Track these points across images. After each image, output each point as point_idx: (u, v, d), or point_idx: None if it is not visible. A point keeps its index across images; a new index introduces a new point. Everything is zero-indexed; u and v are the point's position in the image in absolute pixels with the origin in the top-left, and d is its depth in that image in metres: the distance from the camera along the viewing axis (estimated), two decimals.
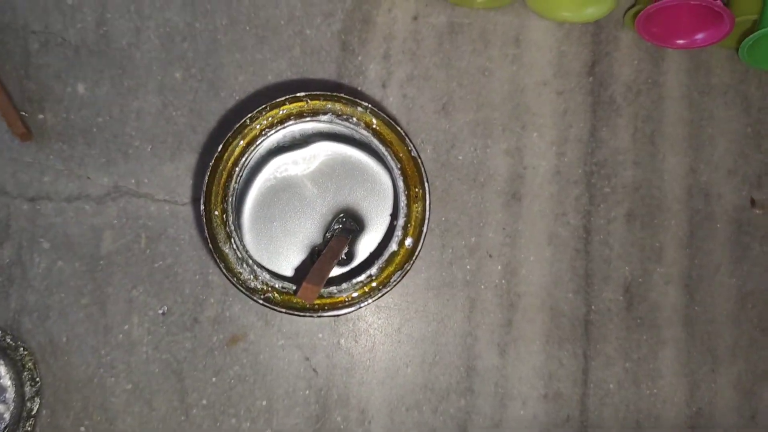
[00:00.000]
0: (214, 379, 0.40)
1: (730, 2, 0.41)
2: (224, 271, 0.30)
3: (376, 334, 0.42)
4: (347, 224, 0.38)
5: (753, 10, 0.39)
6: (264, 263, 0.37)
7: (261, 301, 0.30)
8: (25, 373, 0.40)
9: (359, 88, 0.43)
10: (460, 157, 0.43)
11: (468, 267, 0.42)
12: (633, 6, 0.43)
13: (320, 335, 0.41)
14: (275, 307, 0.30)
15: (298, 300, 0.31)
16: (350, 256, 0.37)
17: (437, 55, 0.44)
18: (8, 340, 0.40)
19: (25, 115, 0.42)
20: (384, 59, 0.44)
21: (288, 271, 0.36)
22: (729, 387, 0.42)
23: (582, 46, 0.44)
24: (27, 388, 0.39)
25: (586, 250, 0.43)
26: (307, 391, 0.41)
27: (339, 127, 0.32)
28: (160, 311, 0.41)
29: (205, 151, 0.42)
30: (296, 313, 0.30)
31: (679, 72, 0.45)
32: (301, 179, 0.38)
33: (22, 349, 0.40)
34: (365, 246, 0.39)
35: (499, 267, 0.42)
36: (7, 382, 0.38)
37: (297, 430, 0.41)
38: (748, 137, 0.43)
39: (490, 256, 0.42)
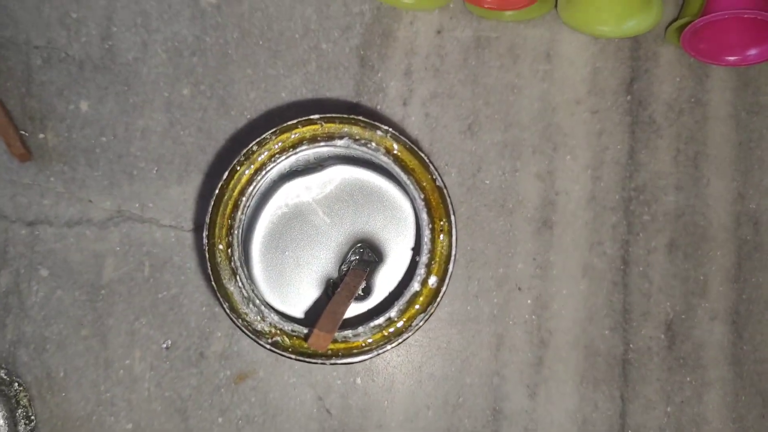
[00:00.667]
0: (220, 419, 0.38)
1: None
2: (228, 311, 0.28)
3: (395, 373, 0.39)
4: (365, 255, 0.36)
5: None
6: (274, 297, 0.35)
7: (268, 346, 0.28)
8: (20, 410, 0.37)
9: (378, 107, 0.40)
10: (487, 181, 0.40)
11: (495, 301, 0.39)
12: (676, 20, 0.40)
13: (335, 373, 0.39)
14: (284, 353, 0.28)
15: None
16: (368, 291, 0.34)
17: (462, 71, 0.41)
18: (2, 375, 0.38)
19: (25, 134, 0.40)
20: (405, 76, 0.41)
21: (300, 307, 0.33)
22: None
23: (619, 62, 0.42)
24: (21, 427, 0.37)
25: (623, 283, 0.40)
26: None
27: (357, 152, 0.29)
28: (164, 345, 0.39)
29: (214, 173, 0.40)
30: (307, 359, 0.28)
31: (725, 90, 0.42)
32: (315, 206, 0.36)
33: (17, 384, 0.38)
34: (384, 279, 0.36)
35: (529, 301, 0.39)
36: (0, 420, 0.36)
37: None
38: None
39: (520, 289, 0.39)
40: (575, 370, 0.39)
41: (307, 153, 0.31)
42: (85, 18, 0.42)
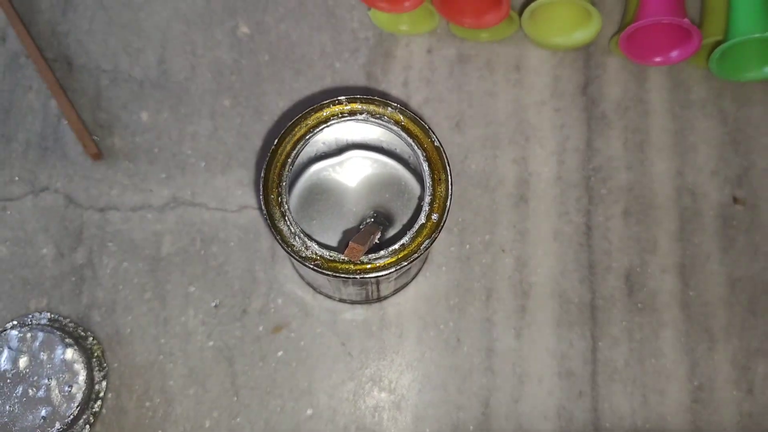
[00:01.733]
0: (260, 363, 0.48)
1: (701, 24, 0.50)
2: (281, 242, 0.39)
3: (403, 322, 0.49)
4: (378, 219, 0.46)
5: (719, 31, 0.48)
6: None
7: (312, 266, 0.38)
8: (94, 359, 0.47)
9: None
10: (473, 166, 0.51)
11: (484, 261, 0.50)
12: (617, 33, 0.52)
13: (354, 324, 0.49)
14: (325, 272, 0.39)
15: (343, 266, 0.38)
16: (379, 246, 0.44)
17: (449, 81, 0.53)
18: (80, 331, 0.48)
19: (97, 139, 0.51)
20: (403, 86, 0.53)
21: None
22: (726, 363, 0.49)
23: (574, 71, 0.54)
24: (95, 373, 0.47)
25: (588, 244, 0.50)
26: (344, 373, 0.48)
27: (372, 125, 0.40)
28: (213, 304, 0.49)
29: (251, 165, 0.51)
30: (343, 275, 0.38)
31: (662, 90, 0.54)
32: (336, 182, 0.47)
33: (91, 338, 0.48)
34: (392, 238, 0.46)
35: (512, 260, 0.50)
36: (80, 366, 0.46)
37: (335, 407, 0.47)
38: (726, 143, 0.53)
39: (503, 251, 0.50)
40: (552, 315, 0.49)
41: (334, 130, 0.41)
42: (144, 47, 0.54)
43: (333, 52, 0.58)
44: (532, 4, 0.51)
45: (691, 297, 0.55)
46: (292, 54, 0.58)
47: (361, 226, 0.50)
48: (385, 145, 0.49)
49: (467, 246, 0.55)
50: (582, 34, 0.53)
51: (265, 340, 0.53)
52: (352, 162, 0.50)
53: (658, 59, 0.54)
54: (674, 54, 0.53)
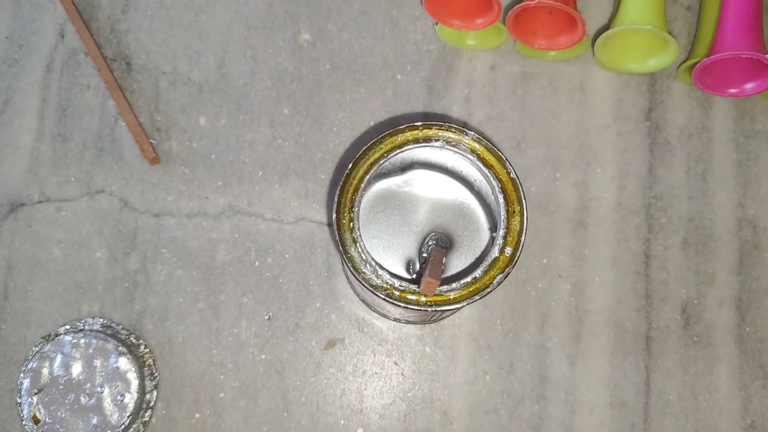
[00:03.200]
0: (312, 379, 0.46)
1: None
2: (352, 270, 0.38)
3: (457, 344, 0.48)
4: (440, 241, 0.44)
5: None
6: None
7: (383, 296, 0.37)
8: (146, 368, 0.46)
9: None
10: (533, 188, 0.49)
11: (540, 285, 0.48)
12: (686, 60, 0.50)
13: (408, 343, 0.47)
14: (395, 302, 0.37)
15: (414, 296, 0.37)
16: (444, 268, 0.43)
17: (512, 99, 0.51)
18: (132, 339, 0.46)
19: (153, 142, 0.49)
20: (465, 102, 0.51)
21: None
22: None
23: (639, 95, 0.52)
24: (147, 382, 0.46)
25: (646, 273, 0.49)
26: (396, 393, 0.46)
27: (448, 152, 0.38)
28: (266, 317, 0.47)
29: (309, 176, 0.49)
30: (414, 307, 0.37)
31: (726, 118, 0.52)
32: (398, 201, 0.45)
33: (143, 346, 0.46)
34: (453, 264, 0.44)
35: (568, 286, 0.48)
36: (132, 375, 0.45)
37: (386, 428, 0.46)
38: None
39: (560, 276, 0.48)
40: (607, 344, 0.48)
41: (398, 157, 0.39)
42: (205, 50, 0.51)
43: (395, 64, 0.56)
44: (608, 32, 0.49)
45: (748, 332, 0.53)
46: (354, 64, 0.56)
47: (422, 248, 0.48)
48: (449, 166, 0.48)
49: (524, 270, 0.53)
50: (656, 62, 0.51)
51: (317, 356, 0.51)
52: (416, 181, 0.48)
53: (732, 91, 0.52)
54: (749, 86, 0.51)
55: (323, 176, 0.53)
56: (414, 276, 0.46)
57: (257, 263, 0.52)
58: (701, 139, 0.56)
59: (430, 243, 0.47)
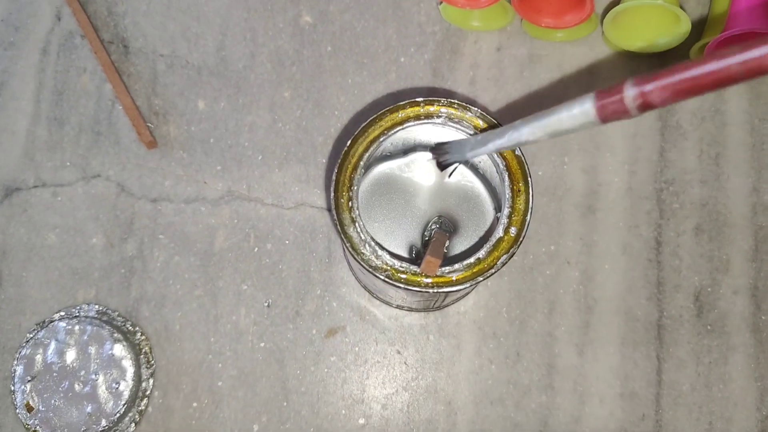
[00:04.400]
0: (312, 368, 0.44)
1: None
2: (350, 250, 0.35)
3: (461, 332, 0.45)
4: (443, 225, 0.42)
5: None
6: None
7: (383, 277, 0.35)
8: (142, 356, 0.44)
9: None
10: (540, 173, 0.47)
11: (548, 272, 0.46)
12: (698, 41, 0.47)
13: (411, 332, 0.45)
14: (396, 283, 0.35)
15: (415, 278, 0.35)
16: (451, 258, 0.41)
17: (518, 82, 0.49)
18: (128, 326, 0.44)
19: (151, 126, 0.47)
20: (470, 85, 0.49)
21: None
22: None
23: None
24: (143, 370, 0.44)
25: (657, 260, 0.46)
26: (399, 383, 0.44)
27: (450, 130, 0.36)
28: (266, 304, 0.45)
29: (310, 161, 0.47)
30: (415, 288, 0.34)
31: (741, 100, 0.49)
32: (400, 184, 0.43)
33: (139, 334, 0.44)
34: (457, 248, 0.42)
35: (577, 273, 0.46)
36: (128, 363, 0.43)
37: (388, 417, 0.43)
38: None
39: (568, 263, 0.46)
40: (617, 332, 0.45)
41: (398, 136, 0.37)
42: (203, 32, 0.50)
43: (398, 46, 0.54)
44: (618, 7, 0.46)
45: (764, 321, 0.50)
46: (356, 46, 0.54)
47: (425, 232, 0.46)
48: (464, 135, 0.45)
49: (531, 256, 0.51)
50: (667, 40, 0.48)
51: (318, 344, 0.49)
52: (418, 163, 0.46)
53: None
54: None
55: (324, 161, 0.51)
56: (418, 261, 0.44)
57: (256, 249, 0.50)
58: (714, 122, 0.53)
59: (433, 227, 0.45)
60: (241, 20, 0.54)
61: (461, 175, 0.46)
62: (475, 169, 0.45)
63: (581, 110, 0.31)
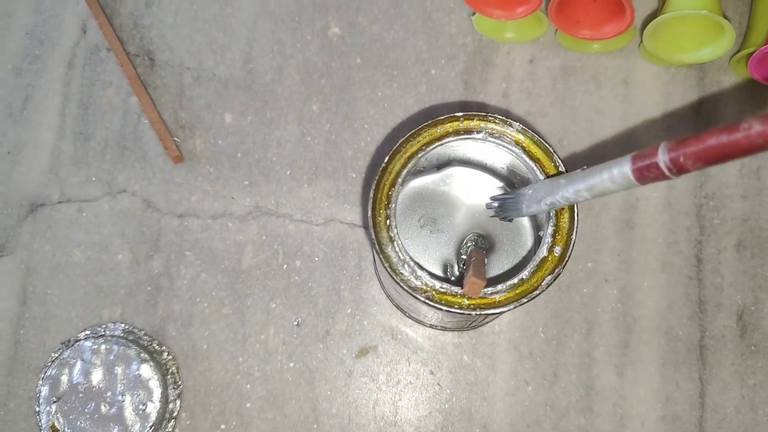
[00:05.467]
0: (343, 389, 0.42)
1: None
2: (389, 270, 0.33)
3: (497, 352, 0.43)
4: (479, 242, 0.40)
5: None
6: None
7: (422, 299, 0.33)
8: (169, 376, 0.42)
9: None
10: None
11: (585, 290, 0.44)
12: (739, 51, 0.45)
13: (445, 351, 0.43)
14: (437, 305, 0.33)
15: (456, 299, 0.32)
16: (494, 278, 0.39)
17: (552, 94, 0.47)
18: (155, 345, 0.42)
19: (178, 140, 0.45)
20: (503, 97, 0.47)
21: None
22: None
23: (688, 88, 0.47)
24: (170, 391, 0.42)
25: (698, 278, 0.44)
26: (432, 404, 0.42)
27: (490, 145, 0.34)
28: (295, 323, 0.43)
29: (340, 176, 0.45)
30: (456, 310, 0.32)
31: None
32: (435, 200, 0.41)
33: (166, 353, 0.43)
34: (493, 266, 0.40)
35: (615, 291, 0.44)
36: (155, 384, 0.41)
37: None
38: None
39: (607, 280, 0.44)
40: (658, 353, 0.43)
41: (442, 149, 0.35)
42: (230, 44, 0.48)
43: (429, 58, 0.52)
44: (659, 18, 0.44)
45: None
46: (386, 58, 0.52)
47: (460, 251, 0.44)
48: (487, 163, 0.43)
49: (567, 274, 0.48)
50: (710, 51, 0.46)
51: (348, 364, 0.47)
52: (453, 179, 0.44)
53: None
54: None
55: (354, 175, 0.49)
56: (453, 279, 0.42)
57: (285, 266, 0.48)
58: None
59: (468, 244, 0.43)
60: (268, 32, 0.52)
61: (497, 191, 0.43)
62: (511, 184, 0.43)
63: (620, 173, 0.30)
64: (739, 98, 0.51)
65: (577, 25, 0.47)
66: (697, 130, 0.50)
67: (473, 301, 0.36)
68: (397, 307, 0.47)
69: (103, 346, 0.45)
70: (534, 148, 0.37)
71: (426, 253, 0.43)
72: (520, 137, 0.37)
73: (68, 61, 0.52)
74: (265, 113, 0.50)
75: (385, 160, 0.37)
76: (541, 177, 0.36)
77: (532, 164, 0.37)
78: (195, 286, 0.47)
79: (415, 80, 0.51)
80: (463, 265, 0.40)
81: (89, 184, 0.49)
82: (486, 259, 0.40)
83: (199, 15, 0.52)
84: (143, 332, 0.46)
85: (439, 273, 0.42)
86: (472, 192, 0.43)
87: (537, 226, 0.40)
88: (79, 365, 0.44)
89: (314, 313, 0.47)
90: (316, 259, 0.48)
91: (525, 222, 0.42)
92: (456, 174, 0.44)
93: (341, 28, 0.52)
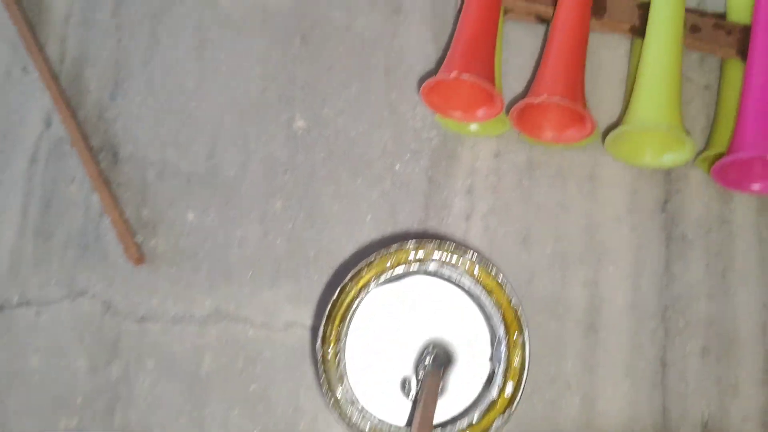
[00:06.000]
0: None
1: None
2: (337, 411, 0.32)
3: None
4: (438, 358, 0.39)
5: None
6: (359, 390, 0.38)
7: None
8: None
9: (444, 221, 0.47)
10: (540, 289, 0.45)
11: (548, 397, 0.43)
12: (705, 149, 0.44)
13: None
14: None
15: None
16: (441, 390, 0.38)
17: (517, 189, 0.46)
18: None
19: (139, 239, 0.45)
20: (468, 193, 0.46)
21: (380, 403, 0.37)
22: None
23: (654, 185, 0.46)
24: None
25: (662, 384, 0.43)
26: None
27: (443, 281, 0.33)
28: None
29: (301, 278, 0.45)
30: None
31: (748, 211, 0.46)
32: (394, 312, 0.40)
33: None
34: (455, 378, 0.39)
35: (578, 399, 0.43)
36: None
37: None
38: None
39: (570, 387, 0.42)
40: None
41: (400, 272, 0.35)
42: (195, 138, 0.48)
43: (394, 152, 0.51)
44: (617, 130, 0.43)
45: None
46: (351, 152, 0.51)
47: (419, 365, 0.43)
48: (458, 281, 0.42)
49: (531, 380, 0.47)
50: (673, 157, 0.45)
51: None
52: (413, 289, 0.43)
53: (756, 187, 0.46)
54: None
55: (316, 277, 0.48)
56: (409, 397, 0.41)
57: (244, 373, 0.47)
58: (721, 233, 0.50)
59: (426, 360, 0.42)
60: (233, 125, 0.51)
61: (457, 300, 0.43)
62: (470, 294, 0.42)
63: None
64: (704, 194, 0.49)
65: (539, 130, 0.46)
66: (663, 228, 0.49)
67: None
68: None
69: None
70: (487, 280, 0.36)
71: (384, 366, 0.42)
72: (473, 267, 0.36)
73: (31, 155, 0.51)
74: (227, 211, 0.49)
75: (335, 295, 0.36)
76: (495, 310, 0.35)
77: (484, 297, 0.35)
78: (153, 393, 0.46)
79: (379, 175, 0.50)
80: (419, 385, 0.39)
81: (49, 286, 0.48)
82: (441, 382, 0.39)
83: (165, 106, 0.51)
84: None
85: (397, 388, 0.41)
86: (432, 301, 0.42)
87: (493, 340, 0.39)
88: None
89: (273, 423, 0.46)
90: (277, 365, 0.47)
91: (483, 332, 0.41)
92: (416, 283, 0.43)
93: (307, 120, 0.51)
